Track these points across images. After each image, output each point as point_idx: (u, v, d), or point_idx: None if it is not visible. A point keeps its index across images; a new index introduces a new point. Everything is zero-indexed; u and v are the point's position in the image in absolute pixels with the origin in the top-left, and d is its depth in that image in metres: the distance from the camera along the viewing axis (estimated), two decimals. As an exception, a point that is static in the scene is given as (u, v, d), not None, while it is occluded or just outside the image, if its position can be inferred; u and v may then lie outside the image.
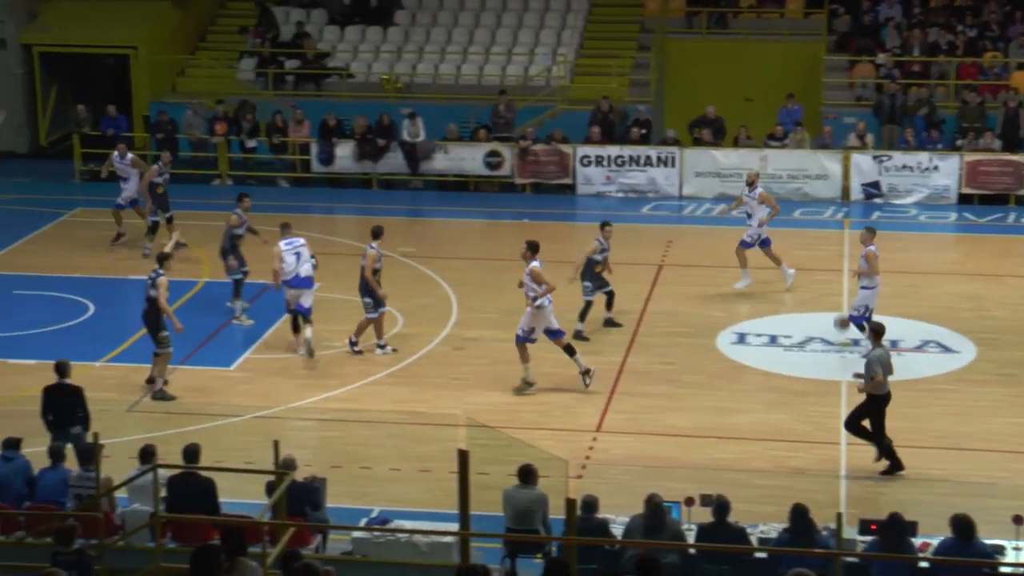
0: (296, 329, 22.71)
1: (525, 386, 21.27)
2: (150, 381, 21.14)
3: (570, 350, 21.37)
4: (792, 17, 37.01)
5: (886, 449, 18.43)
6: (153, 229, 27.44)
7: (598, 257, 23.43)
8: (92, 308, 24.80)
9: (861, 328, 22.28)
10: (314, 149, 33.14)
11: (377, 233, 22.73)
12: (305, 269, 22.57)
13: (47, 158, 35.86)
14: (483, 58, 35.93)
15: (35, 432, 17.73)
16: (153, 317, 20.88)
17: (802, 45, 36.09)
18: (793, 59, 36.15)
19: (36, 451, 16.89)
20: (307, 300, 22.62)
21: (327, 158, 33.07)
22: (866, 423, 18.59)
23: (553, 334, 21.35)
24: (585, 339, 23.16)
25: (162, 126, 33.68)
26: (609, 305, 23.75)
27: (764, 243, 25.44)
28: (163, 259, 21.38)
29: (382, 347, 22.75)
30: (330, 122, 33.13)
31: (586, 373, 21.28)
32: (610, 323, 23.81)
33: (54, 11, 36.82)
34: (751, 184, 25.71)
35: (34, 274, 26.68)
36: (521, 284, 21.36)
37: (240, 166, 33.91)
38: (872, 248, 22.51)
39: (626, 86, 34.62)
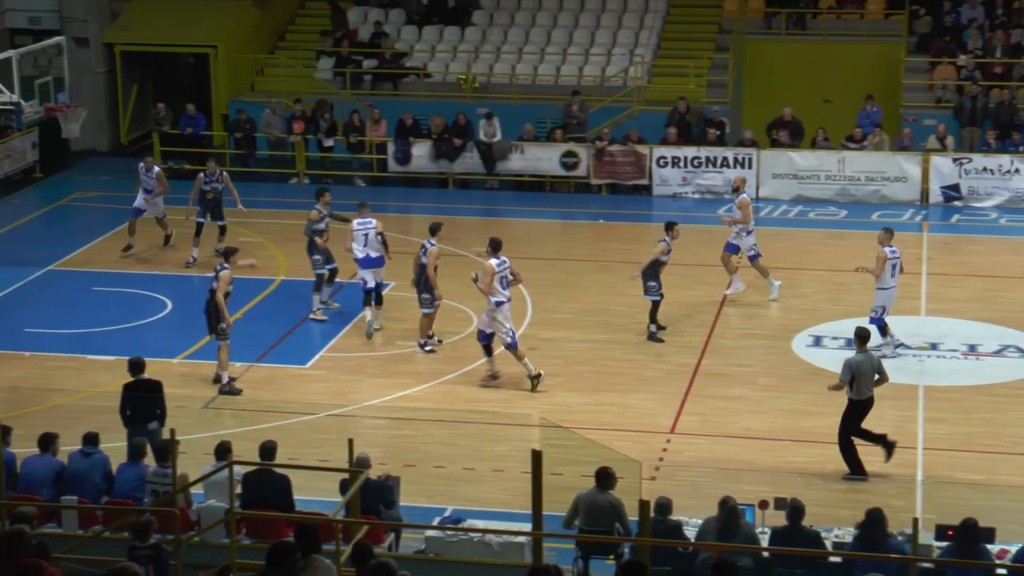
0: (368, 303, 23.10)
1: (534, 380, 21.29)
2: (217, 380, 21.32)
3: (489, 351, 21.48)
4: (872, 18, 36.70)
5: (847, 451, 18.41)
6: (199, 231, 27.27)
7: (665, 258, 23.25)
8: (170, 305, 25.02)
9: (882, 331, 22.30)
10: (391, 148, 33.27)
11: (435, 229, 22.87)
12: (374, 250, 22.99)
13: (127, 156, 36.20)
14: (560, 58, 35.92)
15: (113, 427, 17.95)
16: (213, 310, 21.12)
17: (882, 46, 35.78)
18: (873, 60, 35.85)
19: (114, 447, 17.08)
20: (374, 279, 23.18)
21: (403, 157, 33.18)
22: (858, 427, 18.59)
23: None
24: (660, 340, 23.07)
25: (240, 125, 33.95)
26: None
27: (730, 247, 25.02)
28: (229, 254, 21.68)
29: (430, 337, 23.02)
30: (407, 121, 33.25)
31: (493, 377, 21.48)
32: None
33: (135, 10, 37.18)
34: (736, 190, 25.28)
35: (113, 271, 26.96)
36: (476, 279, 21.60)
37: (317, 165, 34.09)
38: (885, 249, 22.36)
39: (703, 87, 34.47)
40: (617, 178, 32.51)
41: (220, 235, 27.45)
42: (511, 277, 21.48)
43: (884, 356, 22.02)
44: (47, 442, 16.33)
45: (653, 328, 23.21)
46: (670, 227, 23.45)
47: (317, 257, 24.26)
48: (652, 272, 23.14)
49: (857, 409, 18.46)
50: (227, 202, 27.65)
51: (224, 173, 28.00)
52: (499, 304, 21.20)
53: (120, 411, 18.06)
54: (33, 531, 12.94)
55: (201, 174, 27.63)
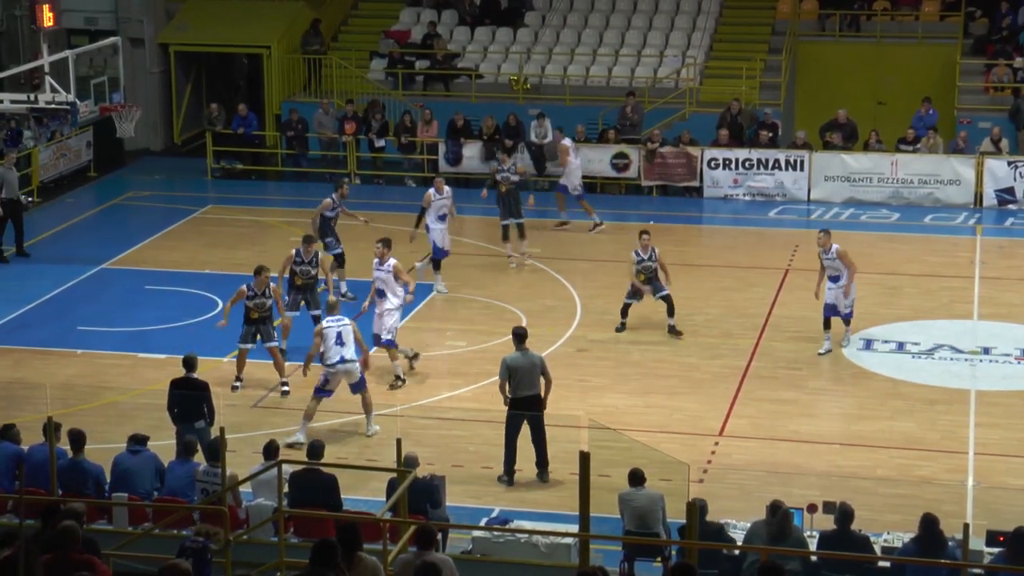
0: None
1: (397, 381, 21.55)
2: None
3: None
4: (927, 20, 36.44)
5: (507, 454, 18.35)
6: (340, 262, 25.21)
7: (638, 268, 23.33)
8: (220, 304, 25.06)
9: (827, 325, 22.71)
10: (442, 149, 33.31)
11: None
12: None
13: (181, 156, 36.45)
14: (612, 59, 35.87)
15: (164, 425, 18.07)
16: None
17: (937, 48, 35.53)
18: (927, 62, 35.61)
19: (163, 444, 17.20)
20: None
21: (454, 158, 33.21)
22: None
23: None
24: (679, 333, 23.17)
25: (292, 125, 34.09)
26: (670, 312, 23.44)
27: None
28: (306, 241, 22.52)
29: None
30: (458, 122, 33.28)
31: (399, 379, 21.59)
32: (673, 331, 23.52)
33: (190, 11, 37.41)
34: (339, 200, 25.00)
35: (165, 269, 27.12)
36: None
37: (368, 165, 34.18)
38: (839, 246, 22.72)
39: (756, 89, 34.33)
40: (668, 180, 32.42)
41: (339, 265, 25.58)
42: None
43: (829, 351, 22.57)
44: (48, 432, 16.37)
45: (671, 321, 23.34)
46: (640, 235, 23.61)
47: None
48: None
49: (513, 408, 18.34)
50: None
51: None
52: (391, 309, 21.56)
53: (168, 409, 18.19)
54: (85, 527, 13.07)
55: (327, 199, 25.11)
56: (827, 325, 22.65)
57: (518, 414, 18.31)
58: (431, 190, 25.66)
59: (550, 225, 29.95)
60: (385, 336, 21.50)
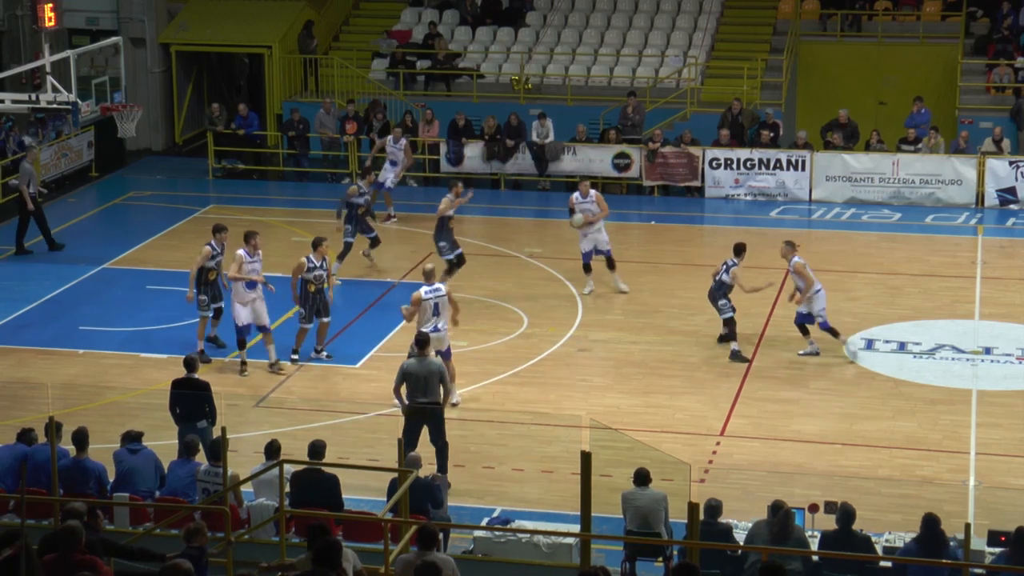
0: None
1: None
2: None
3: (242, 344, 22.00)
4: (928, 20, 36.44)
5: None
6: (375, 243, 26.19)
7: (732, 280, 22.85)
8: (222, 304, 25.07)
9: (834, 333, 22.48)
10: (443, 149, 33.31)
11: (451, 186, 25.61)
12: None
13: (182, 155, 36.46)
14: (613, 59, 35.88)
15: (165, 425, 18.07)
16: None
17: (938, 48, 35.55)
18: (929, 62, 35.64)
19: (165, 444, 17.19)
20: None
21: (456, 158, 33.21)
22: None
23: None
24: (745, 359, 22.51)
25: (293, 125, 34.10)
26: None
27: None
28: (218, 230, 22.81)
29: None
30: (459, 122, 33.28)
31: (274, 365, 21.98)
32: (737, 356, 22.90)
33: (191, 11, 37.44)
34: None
35: (167, 269, 27.11)
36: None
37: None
38: (798, 260, 22.36)
39: (757, 89, 34.33)
40: (669, 180, 32.42)
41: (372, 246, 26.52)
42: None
43: (813, 354, 22.41)
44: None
45: (735, 347, 22.56)
46: (739, 252, 22.89)
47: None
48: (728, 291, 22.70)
49: (408, 415, 18.14)
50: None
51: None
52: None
53: (170, 409, 18.20)
54: (97, 527, 13.09)
55: (353, 185, 26.20)
56: (803, 332, 22.55)
57: (412, 422, 18.01)
58: (575, 194, 25.42)
59: (551, 225, 29.93)
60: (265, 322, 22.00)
